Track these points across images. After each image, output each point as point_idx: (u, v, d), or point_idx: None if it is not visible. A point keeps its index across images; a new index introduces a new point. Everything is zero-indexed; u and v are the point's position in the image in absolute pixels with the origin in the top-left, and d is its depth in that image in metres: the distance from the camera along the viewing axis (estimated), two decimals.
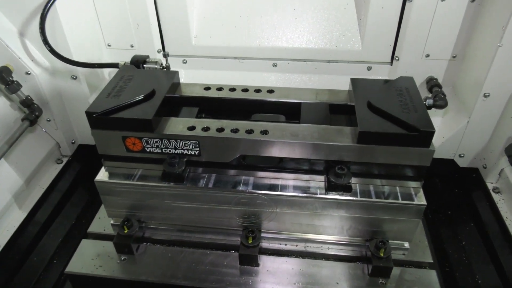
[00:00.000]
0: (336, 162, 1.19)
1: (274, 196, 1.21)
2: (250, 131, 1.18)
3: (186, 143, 1.19)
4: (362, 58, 1.90)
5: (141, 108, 1.19)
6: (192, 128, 1.19)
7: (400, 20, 1.77)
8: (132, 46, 1.94)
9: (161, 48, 1.96)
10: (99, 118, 1.16)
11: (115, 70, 1.86)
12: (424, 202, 1.18)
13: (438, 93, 1.64)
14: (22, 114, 1.81)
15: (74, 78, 1.82)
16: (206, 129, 1.19)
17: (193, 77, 2.02)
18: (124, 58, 1.72)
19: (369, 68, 1.91)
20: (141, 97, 1.21)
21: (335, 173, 1.16)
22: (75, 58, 1.72)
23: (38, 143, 1.90)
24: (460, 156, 1.84)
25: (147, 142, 1.20)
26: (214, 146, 1.19)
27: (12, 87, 1.67)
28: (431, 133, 1.08)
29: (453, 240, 1.59)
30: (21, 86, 1.70)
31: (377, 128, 1.11)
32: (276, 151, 1.18)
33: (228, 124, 1.20)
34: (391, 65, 1.90)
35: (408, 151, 1.13)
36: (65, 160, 2.02)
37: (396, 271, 1.25)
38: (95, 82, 1.96)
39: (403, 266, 1.29)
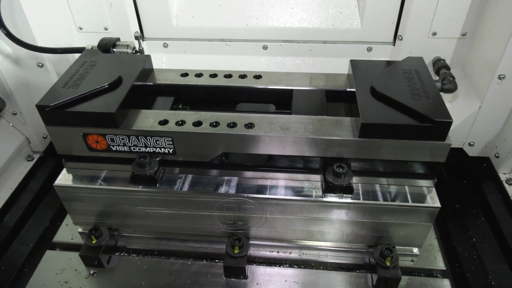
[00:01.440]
0: (335, 160, 1.01)
1: (262, 200, 1.04)
2: (232, 125, 1.00)
3: (158, 140, 1.01)
4: (362, 38, 1.72)
5: (104, 99, 1.00)
6: (164, 122, 1.01)
7: None
8: (106, 29, 1.74)
9: (138, 30, 1.76)
10: (53, 113, 0.98)
11: None
12: (438, 204, 1.01)
13: (447, 76, 1.46)
14: None
15: (41, 66, 1.63)
16: (180, 123, 1.01)
17: (175, 62, 1.83)
18: (97, 42, 1.53)
19: (369, 49, 1.73)
20: (105, 86, 1.03)
21: (334, 172, 0.99)
22: (40, 43, 1.52)
23: (4, 138, 1.71)
24: (470, 144, 1.67)
25: (112, 140, 1.02)
26: (190, 143, 1.01)
27: None
28: (448, 123, 0.91)
29: (462, 236, 1.44)
30: None
31: (382, 118, 0.93)
32: (263, 148, 1.00)
33: (207, 116, 1.02)
34: (394, 45, 1.71)
35: (419, 145, 0.95)
36: (36, 156, 1.84)
37: (404, 280, 1.09)
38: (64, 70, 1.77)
39: (412, 275, 1.13)
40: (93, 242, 1.12)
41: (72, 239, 1.24)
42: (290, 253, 1.17)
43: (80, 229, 1.23)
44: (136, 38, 1.36)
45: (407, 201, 1.01)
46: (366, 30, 1.68)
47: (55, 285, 1.12)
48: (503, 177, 1.62)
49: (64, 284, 1.12)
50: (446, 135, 0.93)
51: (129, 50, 1.35)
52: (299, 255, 1.16)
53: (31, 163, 1.81)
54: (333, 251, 1.16)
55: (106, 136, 1.01)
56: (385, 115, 0.94)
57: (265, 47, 1.76)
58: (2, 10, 1.40)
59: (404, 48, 1.67)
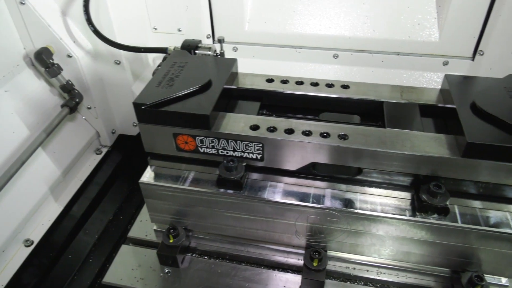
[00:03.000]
0: (428, 178, 0.97)
1: (350, 214, 1.01)
2: (325, 135, 0.97)
3: (248, 145, 1.00)
4: (439, 51, 1.65)
5: (197, 100, 1.01)
6: (255, 127, 1.00)
7: (490, 6, 1.51)
8: (179, 30, 1.77)
9: (210, 33, 1.78)
10: (148, 111, 0.99)
11: (160, 56, 1.72)
12: None
13: None
14: (61, 100, 1.68)
15: (118, 63, 1.68)
16: (272, 129, 0.99)
17: (243, 66, 1.83)
18: (171, 43, 1.55)
19: (445, 63, 1.66)
20: (196, 87, 1.03)
21: (430, 191, 0.94)
22: (119, 41, 1.57)
23: (77, 131, 1.77)
24: None
25: (201, 141, 1.02)
26: (281, 151, 0.99)
27: (52, 70, 1.54)
28: None
29: None
30: (62, 69, 1.57)
31: (489, 139, 0.88)
32: (356, 161, 0.97)
33: (299, 124, 1.00)
34: (473, 60, 1.63)
35: None
36: (104, 150, 1.90)
37: None
38: (139, 69, 1.81)
39: None
40: (171, 241, 1.13)
41: (146, 236, 1.25)
42: (368, 270, 1.13)
43: (155, 227, 1.24)
44: (219, 41, 1.37)
45: (508, 228, 0.95)
46: (444, 43, 1.62)
47: (131, 280, 1.13)
48: None
49: (140, 280, 1.13)
50: None
51: (211, 53, 1.36)
52: (377, 274, 1.12)
53: (99, 157, 1.87)
54: (414, 272, 1.11)
55: (196, 138, 1.01)
56: (492, 135, 0.89)
57: (335, 56, 1.73)
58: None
59: (484, 64, 1.60)
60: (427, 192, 0.95)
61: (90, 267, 1.41)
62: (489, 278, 1.06)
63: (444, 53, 1.65)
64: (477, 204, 0.99)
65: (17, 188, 1.43)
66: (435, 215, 0.97)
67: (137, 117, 1.02)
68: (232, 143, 1.01)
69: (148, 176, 1.11)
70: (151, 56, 1.86)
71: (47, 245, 1.48)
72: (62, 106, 1.61)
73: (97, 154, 1.88)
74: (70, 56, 1.59)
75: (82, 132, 1.80)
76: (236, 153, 1.03)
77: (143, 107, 0.99)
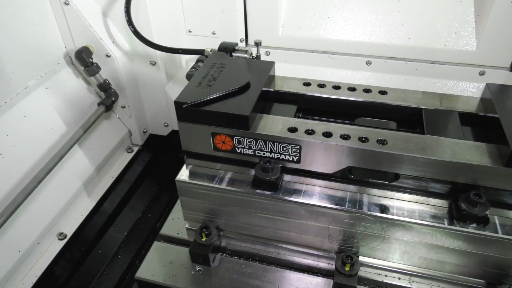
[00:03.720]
0: (468, 186, 0.95)
1: (385, 220, 1.00)
2: (364, 139, 0.97)
3: (285, 147, 1.01)
4: (475, 60, 1.63)
5: (237, 101, 1.02)
6: (293, 129, 1.01)
7: None
8: (213, 34, 1.80)
9: (244, 37, 1.80)
10: (188, 110, 1.01)
11: (193, 58, 1.75)
12: None
13: None
14: (97, 99, 1.74)
15: (153, 63, 1.72)
16: (310, 132, 1.00)
17: (275, 70, 1.85)
18: (204, 45, 1.58)
19: (481, 73, 1.64)
20: (235, 89, 1.05)
21: (470, 200, 0.93)
22: (156, 42, 1.61)
23: (111, 130, 1.82)
24: None
25: (239, 142, 1.03)
26: (318, 153, 0.99)
27: (91, 69, 1.59)
28: None
29: None
30: (100, 69, 1.62)
31: None
32: (394, 166, 0.96)
33: (337, 128, 1.01)
34: (511, 70, 1.60)
35: None
36: (135, 149, 1.94)
37: None
38: (172, 70, 1.85)
39: None
40: (203, 239, 1.14)
41: (178, 233, 1.27)
42: (399, 278, 1.12)
43: (187, 225, 1.26)
44: (256, 44, 1.38)
45: None
46: (481, 53, 1.60)
47: (163, 276, 1.15)
48: None
49: (172, 277, 1.15)
50: None
51: (247, 56, 1.37)
52: (409, 283, 1.11)
53: (131, 155, 1.91)
54: (447, 283, 1.09)
55: (234, 138, 1.03)
56: None
57: (368, 63, 1.73)
58: None
59: None
60: (467, 201, 0.94)
61: (119, 263, 1.44)
62: None
63: (481, 63, 1.62)
64: None
65: (54, 183, 1.48)
66: (474, 225, 0.95)
67: (177, 115, 1.04)
68: (269, 144, 1.02)
69: (184, 174, 1.14)
70: (184, 58, 1.90)
71: (79, 239, 1.52)
72: (99, 104, 1.66)
73: (128, 152, 1.92)
74: (109, 56, 1.63)
75: (116, 131, 1.85)
76: (272, 154, 1.04)
77: (184, 106, 1.01)
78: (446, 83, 1.69)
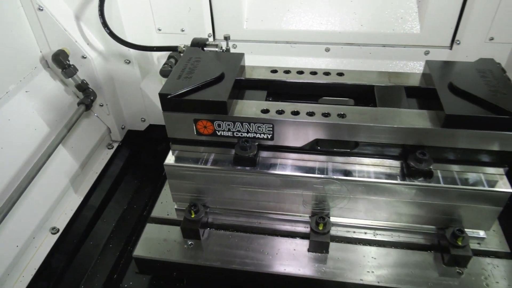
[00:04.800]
0: (415, 147, 1.14)
1: (350, 182, 1.18)
2: (326, 115, 1.14)
3: (260, 127, 1.16)
4: (420, 42, 1.83)
5: (214, 90, 1.16)
6: (266, 111, 1.16)
7: (464, 0, 1.69)
8: (182, 31, 1.92)
9: (211, 32, 1.93)
10: (172, 100, 1.14)
11: (165, 55, 1.86)
12: (510, 190, 1.13)
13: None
14: (75, 99, 1.82)
15: (128, 62, 1.82)
16: (280, 112, 1.15)
17: None
18: (174, 42, 1.70)
19: (426, 53, 1.84)
20: (212, 79, 1.18)
21: (416, 158, 1.12)
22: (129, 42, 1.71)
23: (91, 128, 1.91)
24: None
25: (218, 125, 1.17)
26: (288, 130, 1.15)
27: (69, 71, 1.67)
28: None
29: None
30: (77, 70, 1.70)
31: (464, 111, 1.06)
32: (353, 135, 1.14)
33: (303, 107, 1.16)
34: (451, 49, 1.82)
35: (495, 136, 1.07)
36: (115, 145, 2.03)
37: (472, 260, 1.20)
38: (146, 68, 1.95)
39: (479, 256, 1.24)
40: (192, 216, 1.28)
41: (168, 215, 1.40)
42: (365, 233, 1.30)
43: (176, 206, 1.39)
44: (225, 38, 1.52)
45: (483, 186, 1.13)
46: (424, 35, 1.80)
47: (159, 253, 1.28)
48: None
49: (167, 252, 1.28)
50: None
51: (218, 49, 1.51)
52: (374, 235, 1.29)
53: (111, 151, 2.00)
54: (406, 232, 1.28)
55: (214, 122, 1.17)
56: (466, 108, 1.06)
57: (327, 50, 1.89)
58: None
59: (461, 52, 1.78)
60: (414, 159, 1.13)
61: (111, 251, 1.54)
62: (469, 232, 1.24)
63: (425, 44, 1.83)
64: (456, 168, 1.17)
65: (43, 180, 1.57)
66: (421, 179, 1.14)
67: (162, 106, 1.16)
68: (246, 125, 1.16)
69: (171, 159, 1.26)
70: (155, 55, 2.01)
71: (71, 232, 1.61)
72: (79, 104, 1.74)
73: (109, 148, 2.01)
74: (85, 57, 1.72)
75: (95, 128, 1.94)
76: (249, 134, 1.18)
77: (168, 97, 1.14)
78: (396, 63, 1.88)
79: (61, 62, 1.65)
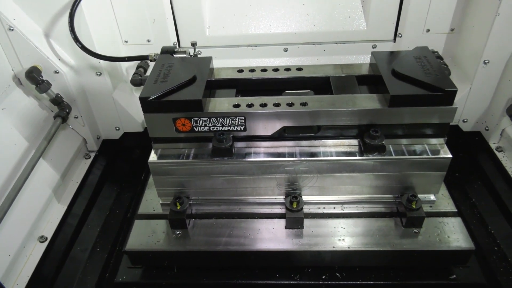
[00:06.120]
0: (369, 126, 1.32)
1: (316, 162, 1.34)
2: (290, 104, 1.30)
3: (233, 120, 1.30)
4: (367, 37, 2.04)
5: (189, 90, 1.29)
6: (237, 105, 1.30)
7: None
8: (148, 41, 2.02)
9: (176, 41, 2.05)
10: (152, 102, 1.26)
11: (133, 66, 1.97)
12: (450, 155, 1.33)
13: (441, 64, 1.79)
14: (50, 113, 1.88)
15: (99, 74, 1.90)
16: (250, 105, 1.30)
17: None
18: (141, 53, 1.81)
19: (374, 47, 2.05)
20: (186, 81, 1.31)
21: (370, 135, 1.29)
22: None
23: (68, 139, 1.98)
24: (463, 121, 2.00)
25: (196, 122, 1.30)
26: (258, 121, 1.30)
27: (43, 86, 1.74)
28: (454, 91, 1.23)
29: (464, 198, 1.74)
30: (51, 85, 1.77)
31: (406, 91, 1.24)
32: (315, 120, 1.30)
33: (270, 99, 1.32)
34: (394, 42, 2.04)
35: (433, 110, 1.27)
36: (92, 155, 2.10)
37: (426, 220, 1.39)
38: (116, 78, 2.04)
39: (431, 216, 1.43)
40: (178, 208, 1.39)
41: (154, 210, 1.51)
42: (334, 207, 1.46)
43: (161, 201, 1.50)
44: (192, 45, 1.65)
45: (428, 154, 1.32)
46: (370, 31, 2.00)
47: (150, 244, 1.38)
48: (493, 146, 1.94)
49: (157, 243, 1.39)
50: (453, 101, 1.25)
51: (186, 55, 1.64)
52: (342, 209, 1.45)
53: (89, 161, 2.07)
54: (369, 203, 1.45)
55: (192, 119, 1.30)
56: (407, 89, 1.26)
57: (285, 50, 2.06)
58: None
59: (404, 44, 2.00)
60: (369, 137, 1.31)
61: (100, 254, 1.62)
62: (421, 197, 1.43)
63: (372, 39, 2.04)
64: (404, 141, 1.36)
65: (28, 192, 1.63)
66: (376, 153, 1.33)
67: (142, 108, 1.28)
68: (220, 120, 1.30)
69: (154, 157, 1.38)
70: (123, 66, 2.10)
71: (58, 240, 1.67)
72: (55, 116, 1.81)
73: (86, 159, 2.08)
74: (57, 72, 1.79)
75: (72, 140, 2.00)
76: (224, 127, 1.32)
77: (148, 100, 1.26)
78: (348, 58, 2.08)
79: (34, 78, 1.71)
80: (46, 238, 1.66)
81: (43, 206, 1.70)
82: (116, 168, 2.09)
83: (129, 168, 2.07)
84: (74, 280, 1.51)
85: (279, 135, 1.35)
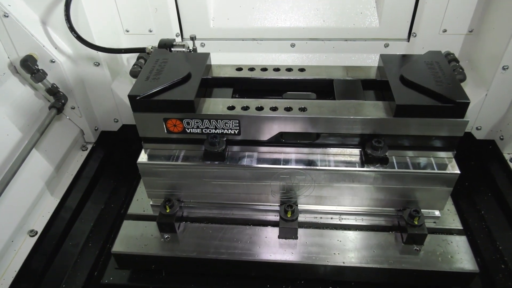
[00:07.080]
0: (372, 136, 1.23)
1: (313, 171, 1.26)
2: (288, 109, 1.21)
3: (227, 123, 1.22)
4: (379, 35, 1.93)
5: (182, 89, 1.22)
6: (231, 107, 1.23)
7: None
8: (150, 31, 1.95)
9: (179, 32, 1.97)
10: (141, 101, 1.19)
11: (134, 56, 1.89)
12: (458, 171, 1.23)
13: (456, 68, 1.66)
14: (46, 103, 1.83)
15: (97, 64, 1.84)
16: (245, 108, 1.22)
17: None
18: (143, 43, 1.73)
19: (386, 45, 1.94)
20: (179, 79, 1.24)
21: (372, 146, 1.21)
22: (97, 44, 1.73)
23: (64, 130, 1.93)
24: (477, 129, 1.89)
25: (187, 123, 1.23)
26: (254, 125, 1.22)
27: (38, 75, 1.68)
28: (466, 104, 1.13)
29: (472, 210, 1.65)
30: (47, 74, 1.72)
31: (413, 101, 1.15)
32: (314, 127, 1.22)
33: (267, 102, 1.24)
34: (408, 41, 1.92)
35: (443, 122, 1.17)
36: (89, 147, 2.06)
37: (428, 237, 1.31)
38: (116, 69, 1.98)
39: (435, 233, 1.35)
40: (167, 211, 1.34)
41: (144, 211, 1.45)
42: (331, 218, 1.39)
43: (151, 202, 1.45)
44: (191, 38, 1.57)
45: (434, 169, 1.23)
46: (383, 29, 1.89)
47: (137, 247, 1.33)
48: (507, 157, 1.83)
49: (145, 246, 1.34)
50: (465, 113, 1.15)
51: (185, 49, 1.56)
52: (339, 220, 1.38)
53: (86, 153, 2.03)
54: (368, 215, 1.37)
55: (184, 120, 1.23)
56: (415, 98, 1.16)
57: (292, 45, 1.97)
58: None
59: (418, 44, 1.89)
60: (371, 147, 1.22)
61: (90, 251, 1.58)
62: (425, 212, 1.34)
63: (384, 37, 1.93)
64: (409, 153, 1.27)
65: (19, 184, 1.59)
66: (378, 165, 1.24)
67: (132, 107, 1.21)
68: (213, 122, 1.23)
69: (144, 157, 1.31)
70: (125, 57, 2.03)
71: (49, 234, 1.64)
72: (50, 107, 1.76)
73: (83, 150, 2.04)
74: (53, 61, 1.74)
75: (68, 131, 1.96)
76: (217, 130, 1.25)
77: (137, 98, 1.19)
78: (359, 57, 1.98)
79: (29, 67, 1.66)
80: (37, 232, 1.62)
81: (34, 199, 1.66)
82: (114, 160, 2.04)
83: (127, 161, 2.02)
84: (62, 278, 1.47)
85: (275, 141, 1.27)
